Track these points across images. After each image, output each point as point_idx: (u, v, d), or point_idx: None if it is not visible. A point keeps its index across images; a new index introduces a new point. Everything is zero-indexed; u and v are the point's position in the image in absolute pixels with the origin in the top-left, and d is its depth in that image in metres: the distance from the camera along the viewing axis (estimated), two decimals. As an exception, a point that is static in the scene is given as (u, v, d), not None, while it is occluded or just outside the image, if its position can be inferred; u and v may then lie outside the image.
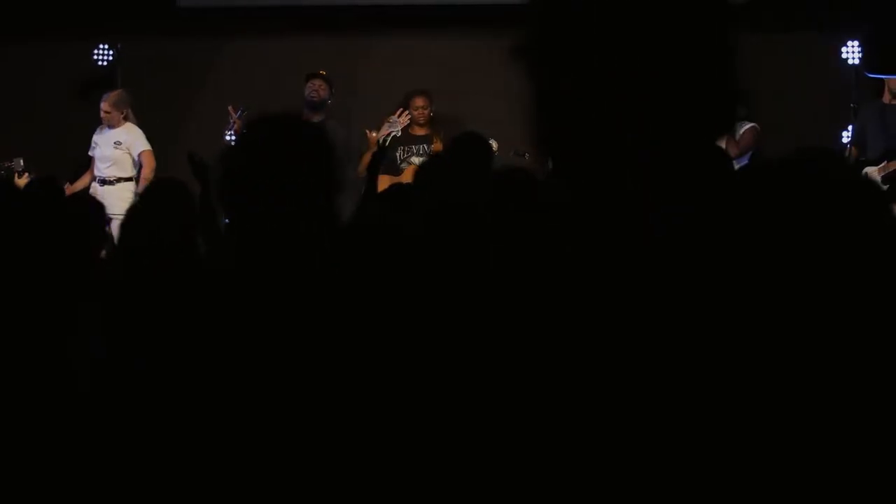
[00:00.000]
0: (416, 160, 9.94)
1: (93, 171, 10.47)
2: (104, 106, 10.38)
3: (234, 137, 10.34)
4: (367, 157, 8.76)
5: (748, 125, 9.95)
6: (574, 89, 1.61)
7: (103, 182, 10.31)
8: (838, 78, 10.09)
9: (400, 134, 9.98)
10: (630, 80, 1.58)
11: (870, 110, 8.90)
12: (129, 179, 10.36)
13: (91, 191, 10.16)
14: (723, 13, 1.70)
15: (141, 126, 10.55)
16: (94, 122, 10.46)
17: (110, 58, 11.35)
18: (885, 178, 8.56)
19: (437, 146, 10.11)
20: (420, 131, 10.32)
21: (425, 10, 11.12)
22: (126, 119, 10.45)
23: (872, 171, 8.44)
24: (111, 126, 10.42)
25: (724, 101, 1.71)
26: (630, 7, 1.61)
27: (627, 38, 1.59)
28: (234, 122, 10.15)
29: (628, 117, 1.58)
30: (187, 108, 11.40)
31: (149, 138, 10.49)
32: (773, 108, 10.45)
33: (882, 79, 8.50)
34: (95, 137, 10.50)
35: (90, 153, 10.51)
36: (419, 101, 10.33)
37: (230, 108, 10.18)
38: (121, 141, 10.36)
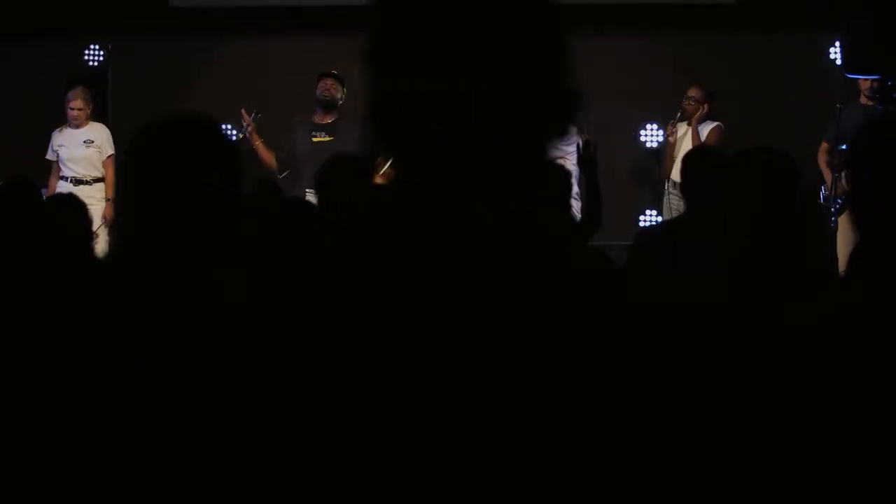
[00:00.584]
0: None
1: (58, 174, 10.37)
2: (77, 103, 10.32)
3: (240, 137, 10.38)
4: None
5: (713, 124, 10.01)
6: (411, 91, 1.65)
7: (78, 182, 10.20)
8: (828, 78, 10.12)
9: None
10: (463, 82, 1.62)
11: (853, 111, 8.93)
12: (101, 179, 10.34)
13: (62, 191, 10.10)
14: (556, 14, 1.72)
15: (130, 126, 10.51)
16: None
17: (101, 58, 11.33)
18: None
19: None
20: None
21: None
22: (88, 118, 10.44)
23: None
24: (78, 125, 10.37)
25: (558, 102, 1.72)
26: (462, 8, 1.64)
27: (459, 41, 1.62)
28: (248, 125, 10.16)
29: (461, 118, 1.62)
30: (179, 109, 11.35)
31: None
32: (764, 107, 10.51)
33: (860, 79, 8.57)
34: (59, 139, 10.39)
35: (49, 157, 10.41)
36: None
37: (243, 111, 10.19)
38: (92, 140, 10.31)
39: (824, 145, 9.54)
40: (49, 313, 2.79)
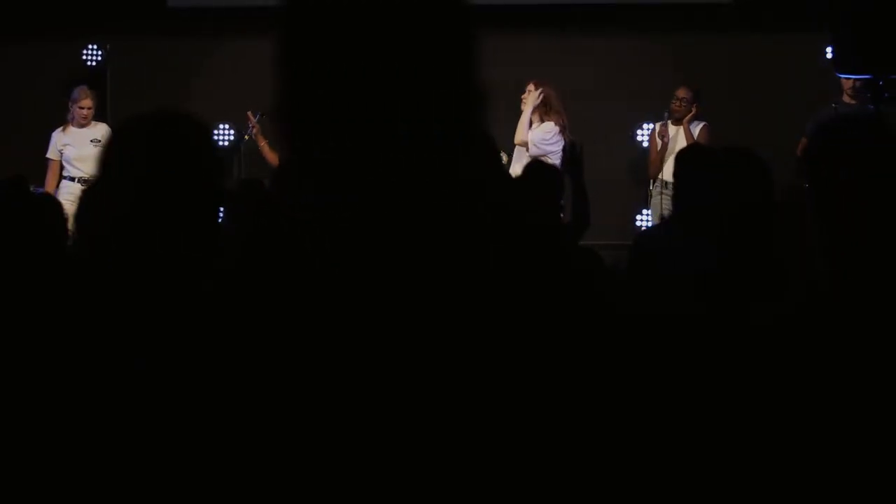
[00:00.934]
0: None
1: (57, 173, 10.31)
2: (87, 102, 10.27)
3: (231, 141, 10.42)
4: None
5: (701, 124, 10.03)
6: (318, 91, 1.66)
7: (86, 182, 10.11)
8: (826, 77, 10.11)
9: None
10: (367, 81, 1.62)
11: (833, 111, 8.94)
12: None
13: (67, 191, 10.10)
14: (462, 14, 1.72)
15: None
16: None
17: (99, 58, 11.34)
18: None
19: None
20: None
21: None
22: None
23: None
24: (85, 124, 10.34)
25: (463, 100, 1.72)
26: (366, 9, 1.64)
27: (364, 41, 1.63)
28: (253, 127, 10.23)
29: (367, 116, 1.63)
30: (178, 109, 11.37)
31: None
32: (762, 107, 10.51)
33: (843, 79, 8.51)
34: (63, 138, 10.34)
35: (51, 156, 10.35)
36: None
37: (249, 113, 10.25)
38: (100, 139, 10.18)
39: (804, 140, 9.54)
40: (40, 314, 2.78)
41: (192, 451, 2.36)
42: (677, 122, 10.08)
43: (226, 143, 10.54)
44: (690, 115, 10.04)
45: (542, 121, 9.40)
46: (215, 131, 10.74)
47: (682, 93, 10.03)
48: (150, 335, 2.59)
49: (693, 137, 9.88)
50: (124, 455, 2.58)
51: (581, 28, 11.10)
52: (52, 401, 2.62)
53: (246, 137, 10.32)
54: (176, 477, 2.54)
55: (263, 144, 10.22)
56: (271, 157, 10.14)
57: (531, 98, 9.40)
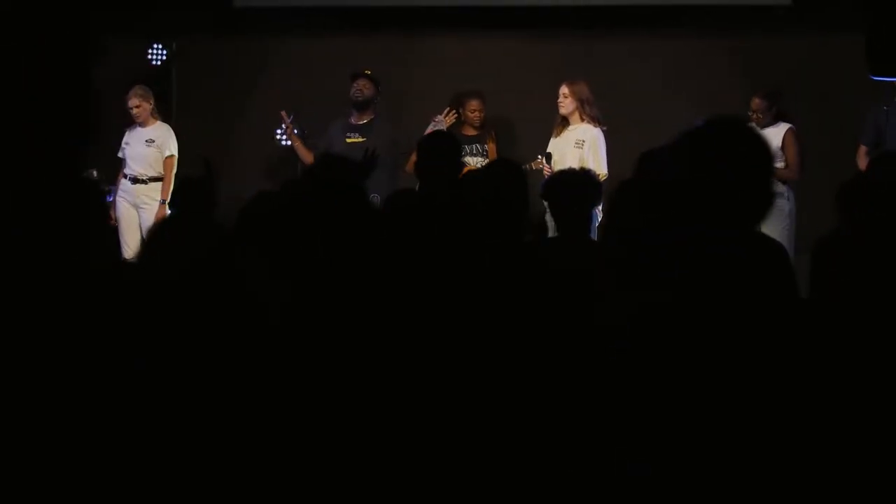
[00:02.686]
0: (470, 160, 10.01)
1: (123, 171, 10.47)
2: (133, 101, 10.41)
3: (285, 140, 10.54)
4: (415, 155, 8.92)
5: (786, 127, 9.80)
6: None
7: (136, 180, 10.35)
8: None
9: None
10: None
11: (885, 113, 8.83)
12: (159, 179, 10.41)
13: (122, 189, 10.27)
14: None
15: (194, 125, 10.64)
16: (147, 122, 10.52)
17: (164, 57, 11.41)
18: None
19: (491, 146, 10.20)
20: (473, 132, 10.32)
21: (473, 12, 11.21)
22: (154, 116, 10.54)
23: None
24: (142, 123, 10.47)
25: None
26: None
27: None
28: (287, 127, 10.36)
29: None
30: (241, 108, 11.50)
31: (201, 137, 10.59)
32: (821, 109, 10.45)
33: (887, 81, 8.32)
34: (126, 137, 10.51)
35: (120, 154, 10.52)
36: (474, 104, 10.32)
37: (283, 113, 10.37)
38: (153, 139, 10.40)
39: (863, 148, 9.44)
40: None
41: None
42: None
43: (289, 142, 10.66)
44: (771, 118, 9.79)
45: (582, 121, 9.46)
46: (278, 130, 10.83)
47: (755, 104, 9.79)
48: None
49: (780, 143, 9.71)
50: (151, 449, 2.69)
51: (643, 29, 11.11)
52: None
53: (279, 137, 10.48)
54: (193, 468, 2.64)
55: (298, 144, 10.36)
56: (306, 156, 10.26)
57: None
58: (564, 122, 9.57)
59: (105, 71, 11.40)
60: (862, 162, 9.27)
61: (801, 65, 10.73)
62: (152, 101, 10.52)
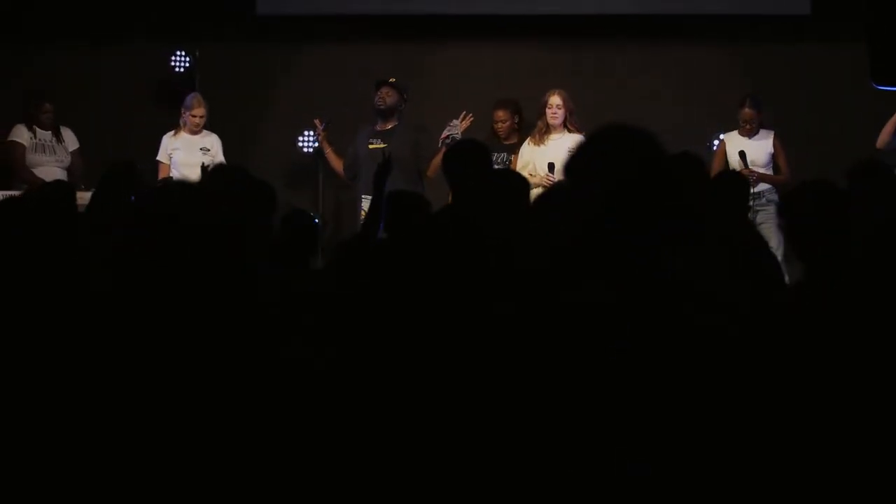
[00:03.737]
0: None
1: (167, 175, 10.38)
2: (200, 111, 10.42)
3: (308, 148, 10.63)
4: (437, 159, 9.02)
5: (771, 133, 10.06)
6: None
7: None
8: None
9: (459, 136, 9.71)
10: None
11: None
12: None
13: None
14: None
15: (217, 132, 10.70)
16: (172, 128, 10.58)
17: (188, 64, 11.45)
18: None
19: (515, 158, 10.16)
20: (505, 141, 10.34)
21: (492, 20, 11.31)
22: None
23: None
24: (196, 132, 10.49)
25: None
26: None
27: None
28: (320, 134, 10.46)
29: None
30: (263, 115, 11.59)
31: (225, 143, 10.66)
32: (836, 118, 10.50)
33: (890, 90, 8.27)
34: (173, 143, 10.49)
35: (161, 159, 10.50)
36: (499, 114, 10.34)
37: (316, 120, 10.47)
38: (209, 148, 10.42)
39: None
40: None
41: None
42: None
43: (310, 150, 10.75)
44: (759, 126, 10.01)
45: (568, 129, 9.63)
46: (300, 138, 10.92)
47: (749, 115, 9.94)
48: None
49: (770, 149, 9.88)
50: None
51: (652, 38, 11.18)
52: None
53: (300, 145, 10.56)
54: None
55: (329, 151, 10.45)
56: (336, 162, 10.34)
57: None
58: (546, 130, 9.68)
59: (129, 77, 11.54)
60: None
61: (807, 74, 10.77)
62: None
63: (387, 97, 10.21)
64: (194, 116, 10.46)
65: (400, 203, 6.37)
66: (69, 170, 10.74)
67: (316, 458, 2.73)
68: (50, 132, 10.78)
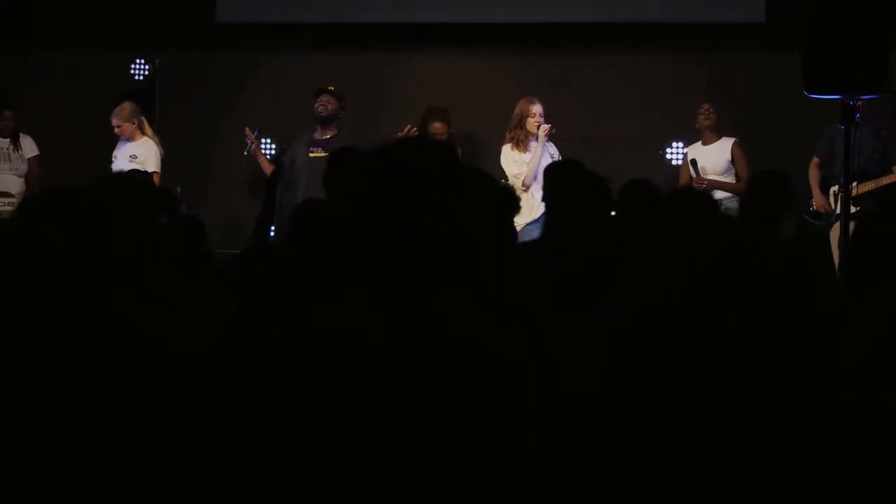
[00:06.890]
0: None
1: None
2: (114, 121, 10.41)
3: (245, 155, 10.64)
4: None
5: (732, 140, 10.14)
6: None
7: None
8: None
9: None
10: None
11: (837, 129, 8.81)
12: None
13: None
14: None
15: (177, 140, 10.68)
16: (132, 137, 10.58)
17: (147, 72, 11.45)
18: (856, 199, 8.52)
19: None
20: None
21: (446, 29, 11.31)
22: (142, 131, 10.50)
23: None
24: (128, 139, 10.46)
25: None
26: None
27: None
28: (252, 143, 10.45)
29: None
30: (224, 122, 11.59)
31: (185, 151, 10.66)
32: (795, 125, 10.47)
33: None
34: (115, 151, 10.53)
35: (112, 167, 10.41)
36: (436, 126, 10.31)
37: (247, 129, 10.46)
38: (136, 155, 10.36)
39: (815, 160, 9.76)
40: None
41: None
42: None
43: (269, 157, 10.76)
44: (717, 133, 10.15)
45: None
46: (259, 145, 10.93)
47: (713, 120, 10.11)
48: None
49: (729, 156, 9.95)
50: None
51: (618, 46, 11.18)
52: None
53: (245, 153, 10.54)
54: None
55: (262, 159, 10.49)
56: (266, 167, 10.32)
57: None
58: (526, 137, 9.69)
59: (89, 85, 11.56)
60: (812, 173, 9.72)
61: (772, 81, 10.75)
62: (136, 119, 10.49)
63: (328, 104, 10.24)
64: (114, 126, 10.48)
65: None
66: (26, 178, 10.76)
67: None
68: (8, 140, 10.81)
